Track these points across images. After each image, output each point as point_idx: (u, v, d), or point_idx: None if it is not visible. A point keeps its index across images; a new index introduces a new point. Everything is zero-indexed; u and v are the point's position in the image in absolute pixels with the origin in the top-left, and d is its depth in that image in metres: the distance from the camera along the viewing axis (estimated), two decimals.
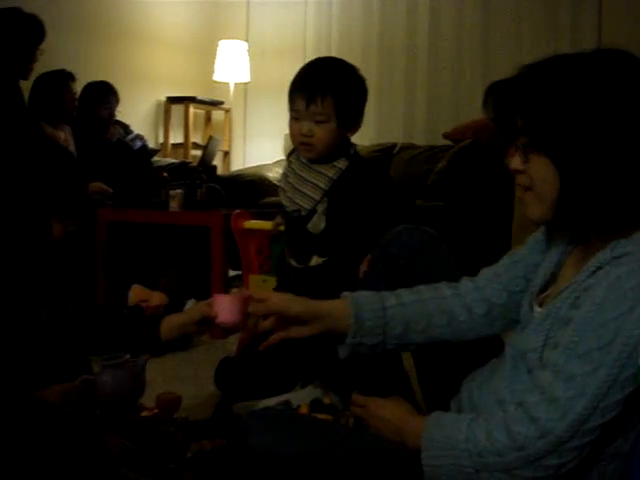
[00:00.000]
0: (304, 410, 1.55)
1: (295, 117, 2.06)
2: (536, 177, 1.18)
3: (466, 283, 1.49)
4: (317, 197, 2.06)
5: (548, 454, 1.08)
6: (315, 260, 2.06)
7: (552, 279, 1.32)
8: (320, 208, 2.06)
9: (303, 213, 2.09)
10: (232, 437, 1.30)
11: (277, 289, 2.21)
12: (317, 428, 1.33)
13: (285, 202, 2.16)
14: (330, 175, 2.07)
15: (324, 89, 2.01)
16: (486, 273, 1.49)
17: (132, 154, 4.31)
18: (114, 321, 1.57)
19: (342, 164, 2.08)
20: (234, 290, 2.37)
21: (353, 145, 2.17)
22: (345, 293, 1.46)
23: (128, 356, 1.63)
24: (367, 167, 2.17)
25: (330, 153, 2.08)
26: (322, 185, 2.06)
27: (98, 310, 1.68)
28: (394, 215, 2.01)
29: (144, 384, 1.79)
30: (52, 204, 1.50)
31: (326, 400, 1.58)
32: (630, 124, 1.12)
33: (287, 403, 1.62)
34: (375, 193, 2.08)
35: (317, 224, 2.07)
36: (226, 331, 1.51)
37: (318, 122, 2.02)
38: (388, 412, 1.33)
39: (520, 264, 1.42)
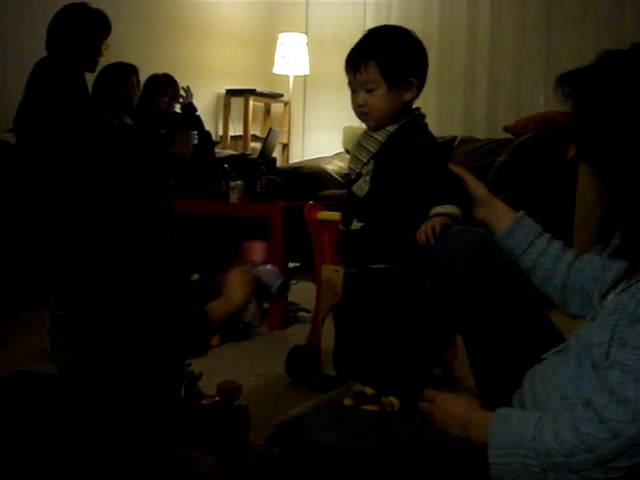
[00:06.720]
0: (349, 403, 1.54)
1: (352, 90, 2.07)
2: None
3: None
4: (364, 160, 2.07)
5: (619, 456, 1.06)
6: (355, 224, 2.06)
7: (626, 274, 1.30)
8: (365, 171, 2.07)
9: (352, 177, 2.10)
10: (291, 436, 1.29)
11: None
12: (383, 425, 1.31)
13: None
14: (380, 139, 2.07)
15: (365, 55, 2.02)
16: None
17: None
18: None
19: (392, 127, 2.07)
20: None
21: (414, 109, 2.12)
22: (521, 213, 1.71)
23: None
24: (413, 129, 2.08)
25: (389, 120, 2.07)
26: (371, 148, 2.06)
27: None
28: (438, 183, 1.94)
29: None
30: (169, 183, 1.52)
31: (368, 391, 1.57)
32: None
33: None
34: (418, 155, 2.02)
35: (362, 187, 2.07)
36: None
37: (369, 91, 2.03)
38: (454, 407, 1.32)
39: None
